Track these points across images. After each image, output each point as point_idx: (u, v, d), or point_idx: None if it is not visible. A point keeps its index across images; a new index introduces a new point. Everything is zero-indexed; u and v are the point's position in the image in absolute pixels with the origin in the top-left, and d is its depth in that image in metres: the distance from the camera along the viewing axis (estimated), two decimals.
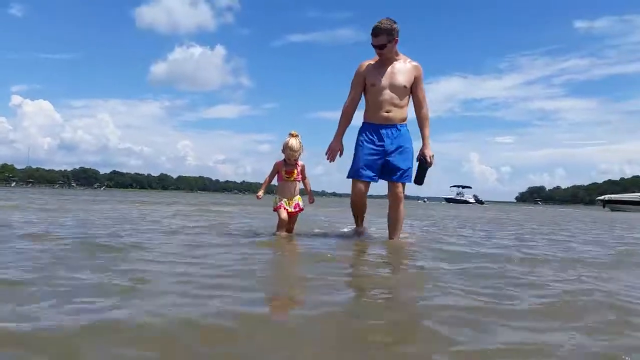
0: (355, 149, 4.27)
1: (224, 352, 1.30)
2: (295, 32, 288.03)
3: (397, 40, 4.14)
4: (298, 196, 4.48)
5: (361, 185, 4.21)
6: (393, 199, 4.33)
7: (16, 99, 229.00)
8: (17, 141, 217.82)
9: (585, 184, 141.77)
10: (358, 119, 4.40)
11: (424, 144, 4.30)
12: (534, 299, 1.98)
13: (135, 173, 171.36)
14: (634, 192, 41.68)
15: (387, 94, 4.16)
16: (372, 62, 4.26)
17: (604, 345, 1.42)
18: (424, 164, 4.27)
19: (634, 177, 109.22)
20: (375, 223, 4.59)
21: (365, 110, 4.33)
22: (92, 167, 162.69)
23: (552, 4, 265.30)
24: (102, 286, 2.00)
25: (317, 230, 5.25)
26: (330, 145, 4.36)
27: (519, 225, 8.73)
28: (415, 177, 4.30)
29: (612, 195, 41.04)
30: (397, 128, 4.20)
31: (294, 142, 4.30)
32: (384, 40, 4.09)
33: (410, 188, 4.39)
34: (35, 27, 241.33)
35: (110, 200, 15.70)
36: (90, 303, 1.72)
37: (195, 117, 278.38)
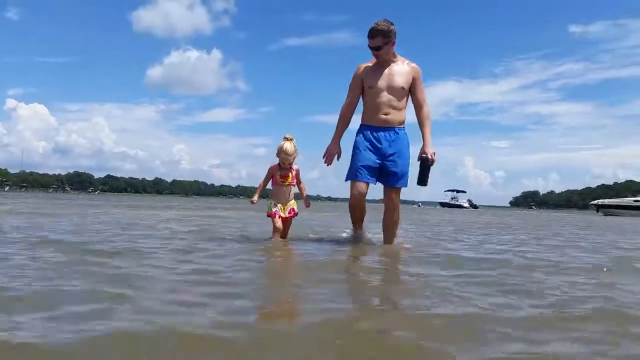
0: (353, 151, 4.24)
1: None
2: (291, 35, 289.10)
3: (394, 42, 4.12)
4: (293, 201, 4.45)
5: (360, 187, 4.12)
6: (389, 204, 4.32)
7: (11, 103, 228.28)
8: (11, 145, 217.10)
9: (579, 189, 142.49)
10: (355, 122, 4.39)
11: (424, 143, 4.20)
12: (532, 308, 1.95)
13: (130, 177, 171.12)
14: (627, 196, 41.97)
15: (385, 96, 4.14)
16: (369, 65, 4.24)
17: (602, 355, 1.40)
18: (426, 162, 4.15)
19: (627, 181, 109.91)
20: (371, 227, 4.56)
21: (363, 113, 4.30)
22: (86, 171, 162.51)
23: (547, 8, 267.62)
24: (94, 293, 1.96)
25: (312, 236, 5.22)
26: (327, 149, 4.33)
27: (513, 230, 8.74)
28: (418, 177, 4.19)
29: (606, 200, 41.29)
30: (395, 131, 4.18)
31: (288, 146, 4.27)
32: (380, 42, 4.08)
33: (405, 192, 4.37)
34: (31, 31, 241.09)
35: (105, 205, 15.62)
36: (78, 312, 1.68)
37: (191, 121, 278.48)
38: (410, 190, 4.36)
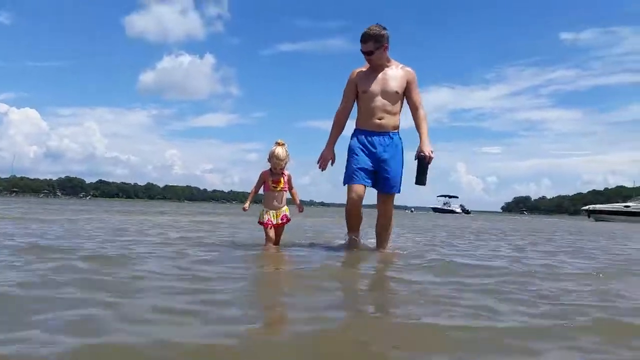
0: (348, 154, 4.22)
1: None
2: (284, 41, 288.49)
3: (386, 46, 4.12)
4: (285, 207, 4.42)
5: (358, 189, 4.07)
6: (382, 210, 4.32)
7: (2, 107, 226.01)
8: (2, 149, 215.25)
9: (570, 194, 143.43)
10: (349, 127, 4.38)
11: (422, 141, 4.13)
12: (527, 317, 1.93)
13: (122, 182, 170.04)
14: (617, 202, 42.33)
15: (379, 100, 4.13)
16: (363, 69, 4.24)
17: None
18: (424, 161, 4.09)
19: (617, 187, 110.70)
20: (364, 233, 4.53)
21: (357, 118, 4.29)
22: (77, 176, 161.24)
23: (539, 15, 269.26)
24: (81, 301, 1.92)
25: (305, 242, 5.19)
26: (322, 154, 4.31)
27: (506, 235, 8.75)
28: (416, 176, 4.12)
29: (597, 206, 41.68)
30: (390, 136, 4.17)
31: (280, 151, 4.25)
32: (372, 47, 4.08)
33: (397, 197, 4.35)
34: (23, 35, 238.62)
35: (96, 210, 15.50)
36: (64, 321, 1.64)
37: (183, 126, 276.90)
38: (403, 196, 4.33)
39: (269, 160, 4.29)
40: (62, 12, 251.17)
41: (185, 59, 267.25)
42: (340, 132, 4.38)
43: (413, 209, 78.94)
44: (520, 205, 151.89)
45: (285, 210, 4.40)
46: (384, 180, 4.18)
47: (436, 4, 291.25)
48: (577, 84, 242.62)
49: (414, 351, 1.48)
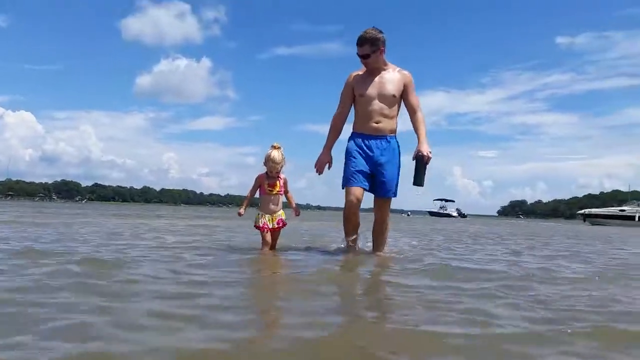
0: (346, 157, 4.20)
1: None
2: (281, 45, 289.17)
3: (382, 50, 4.12)
4: (281, 211, 4.40)
5: (356, 192, 4.05)
6: (379, 214, 4.31)
7: None
8: None
9: (566, 198, 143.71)
10: (346, 131, 4.37)
11: (420, 141, 4.09)
12: (526, 323, 1.92)
13: (118, 186, 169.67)
14: (613, 206, 42.51)
15: (376, 104, 4.12)
16: (360, 73, 4.24)
17: None
18: (421, 160, 4.04)
19: (613, 191, 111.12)
20: (362, 237, 4.51)
21: (355, 121, 4.28)
22: (73, 180, 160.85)
23: (535, 20, 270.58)
24: (74, 306, 1.90)
25: (301, 246, 5.17)
26: (319, 158, 4.31)
27: (503, 239, 8.75)
28: (414, 177, 4.07)
29: (592, 210, 41.83)
30: (387, 140, 4.16)
31: (276, 154, 4.24)
32: (368, 50, 4.08)
33: (394, 201, 4.34)
34: (19, 38, 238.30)
35: (92, 214, 15.43)
36: (55, 327, 1.62)
37: (180, 129, 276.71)
38: (399, 199, 4.31)
39: (265, 163, 4.29)
40: (58, 15, 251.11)
41: (182, 62, 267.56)
42: (338, 136, 4.37)
43: (409, 213, 78.94)
44: (516, 209, 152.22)
45: (281, 214, 4.38)
46: (380, 184, 4.17)
47: (432, 8, 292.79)
48: (573, 88, 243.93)
49: (412, 357, 1.47)
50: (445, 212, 68.79)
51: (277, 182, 4.32)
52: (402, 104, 4.25)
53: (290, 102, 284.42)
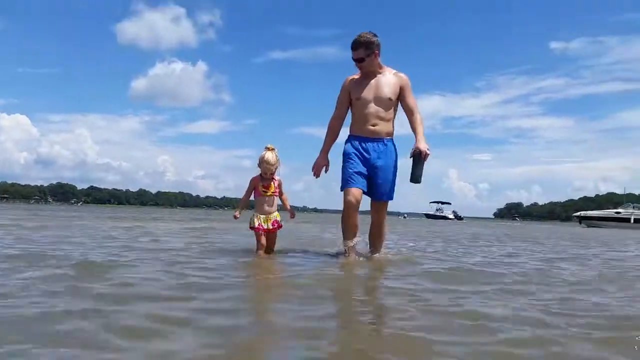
0: (343, 159, 4.18)
1: None
2: (276, 49, 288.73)
3: (377, 53, 4.11)
4: (276, 213, 4.38)
5: (355, 193, 4.00)
6: (375, 216, 4.31)
7: None
8: None
9: (562, 201, 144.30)
10: (343, 135, 4.37)
11: (417, 139, 4.04)
12: (524, 326, 1.90)
13: (113, 189, 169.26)
14: (608, 208, 42.67)
15: (373, 107, 4.11)
16: (357, 77, 4.23)
17: None
18: (419, 157, 3.99)
19: (608, 193, 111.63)
20: (359, 240, 4.49)
21: (351, 124, 4.27)
22: (69, 183, 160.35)
23: (529, 25, 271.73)
24: (76, 311, 1.88)
25: (298, 249, 5.14)
26: (316, 161, 4.29)
27: (500, 241, 8.74)
28: (411, 174, 4.01)
29: (588, 212, 42.01)
30: (384, 143, 4.15)
31: (270, 156, 4.23)
32: (362, 54, 4.08)
33: (390, 204, 4.33)
34: (14, 41, 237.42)
35: (87, 217, 15.36)
36: (48, 332, 1.59)
37: (176, 132, 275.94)
38: (396, 202, 4.29)
39: (259, 165, 4.27)
40: (54, 19, 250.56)
41: (178, 66, 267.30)
42: (334, 140, 4.36)
43: (406, 215, 79.00)
44: (512, 212, 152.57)
45: (276, 215, 4.36)
46: (377, 187, 4.15)
47: (428, 12, 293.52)
48: (567, 92, 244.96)
49: None
50: (441, 214, 68.90)
51: (272, 183, 4.31)
52: (399, 107, 4.24)
53: (285, 105, 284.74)
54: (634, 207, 38.30)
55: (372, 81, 4.14)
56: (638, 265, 4.87)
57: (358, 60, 4.12)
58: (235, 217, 4.52)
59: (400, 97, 4.17)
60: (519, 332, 1.78)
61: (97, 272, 2.91)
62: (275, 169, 4.29)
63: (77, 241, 5.23)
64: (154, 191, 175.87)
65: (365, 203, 4.26)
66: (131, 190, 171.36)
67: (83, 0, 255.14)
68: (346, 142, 4.25)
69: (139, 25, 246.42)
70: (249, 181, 4.37)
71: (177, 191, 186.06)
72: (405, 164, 4.17)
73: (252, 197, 4.41)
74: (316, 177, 4.30)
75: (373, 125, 4.12)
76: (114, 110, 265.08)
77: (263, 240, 4.29)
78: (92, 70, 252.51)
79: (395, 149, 4.22)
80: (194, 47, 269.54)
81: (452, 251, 5.84)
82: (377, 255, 4.29)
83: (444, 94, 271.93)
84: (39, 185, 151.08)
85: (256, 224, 4.28)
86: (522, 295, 2.63)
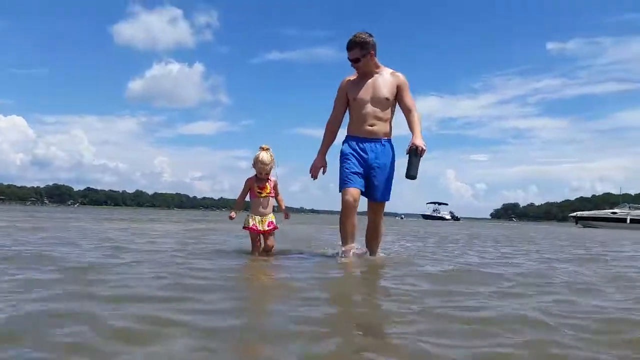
0: (341, 159, 4.16)
1: None
2: (273, 50, 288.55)
3: (372, 53, 4.10)
4: (271, 214, 4.36)
5: (353, 193, 3.98)
6: (372, 217, 4.30)
7: None
8: None
9: (558, 201, 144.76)
10: (341, 136, 4.35)
11: (414, 135, 4.01)
12: (519, 332, 1.88)
13: (110, 190, 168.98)
14: (604, 209, 42.78)
15: (370, 107, 4.09)
16: (354, 77, 4.22)
17: None
18: (415, 153, 3.95)
19: (605, 194, 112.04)
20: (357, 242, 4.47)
21: (349, 124, 4.26)
22: (65, 184, 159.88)
23: (526, 26, 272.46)
24: (66, 313, 1.85)
25: (295, 250, 5.12)
26: (313, 163, 4.29)
27: (498, 242, 8.74)
28: (407, 169, 3.98)
29: (584, 212, 42.10)
30: (382, 143, 4.14)
31: (264, 156, 4.21)
32: (358, 54, 4.07)
33: (387, 204, 4.32)
34: (11, 42, 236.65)
35: (84, 218, 15.30)
36: (58, 335, 1.57)
37: (173, 133, 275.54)
38: (393, 202, 4.27)
39: (254, 165, 4.25)
40: (50, 20, 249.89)
41: (175, 67, 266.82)
42: (332, 141, 4.35)
43: (403, 216, 79.13)
44: (509, 212, 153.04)
45: (271, 217, 4.34)
46: (374, 188, 4.14)
47: (424, 14, 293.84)
48: (563, 92, 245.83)
49: None
50: (438, 215, 69.01)
51: (267, 184, 4.29)
52: (397, 107, 4.23)
53: (282, 106, 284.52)
54: (630, 208, 38.41)
55: (369, 81, 4.13)
56: (635, 265, 4.87)
57: (354, 61, 4.12)
58: (230, 217, 4.50)
59: (398, 96, 4.15)
60: (517, 334, 1.76)
61: (92, 273, 2.89)
62: (271, 169, 4.27)
63: (73, 242, 5.19)
64: (150, 192, 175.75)
65: (362, 204, 4.25)
66: (128, 191, 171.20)
67: (79, 2, 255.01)
68: (343, 142, 4.24)
69: (135, 26, 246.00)
70: (244, 182, 4.35)
71: (174, 192, 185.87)
72: (402, 164, 4.15)
73: (247, 198, 4.39)
74: (314, 179, 4.29)
75: (371, 126, 4.10)
76: (111, 112, 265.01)
77: (258, 241, 4.27)
78: (89, 71, 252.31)
79: (393, 150, 4.21)
80: (191, 48, 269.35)
81: (449, 252, 5.83)
82: (374, 256, 4.28)
83: (441, 95, 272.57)
84: (35, 186, 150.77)
85: (250, 224, 4.25)
86: (520, 297, 2.62)
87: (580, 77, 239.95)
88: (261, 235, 4.32)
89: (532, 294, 2.69)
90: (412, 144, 3.99)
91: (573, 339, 1.71)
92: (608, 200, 79.77)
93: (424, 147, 3.97)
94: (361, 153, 4.10)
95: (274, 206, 4.42)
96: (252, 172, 4.32)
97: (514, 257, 5.30)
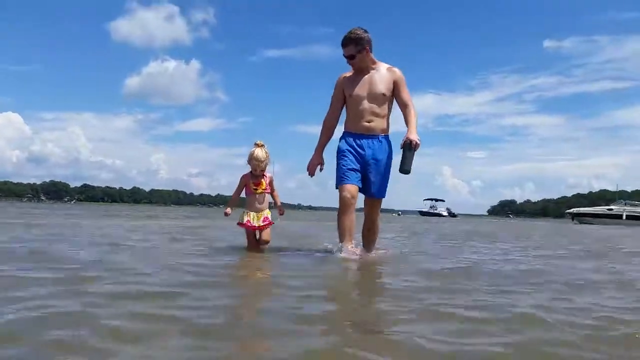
0: (338, 156, 4.14)
1: None
2: (270, 47, 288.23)
3: (368, 49, 4.08)
4: (267, 210, 4.35)
5: (351, 189, 3.96)
6: (369, 213, 4.28)
7: None
8: None
9: (555, 198, 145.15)
10: (337, 134, 4.32)
11: (409, 129, 3.99)
12: (518, 331, 1.88)
13: (107, 187, 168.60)
14: (601, 205, 42.92)
15: (366, 103, 4.07)
16: (350, 74, 4.20)
17: None
18: (409, 146, 3.91)
19: (601, 191, 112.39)
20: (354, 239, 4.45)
21: (346, 121, 4.24)
22: (62, 181, 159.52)
23: (523, 24, 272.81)
24: (60, 311, 1.83)
25: (291, 247, 5.10)
26: (310, 160, 4.27)
27: (495, 238, 8.74)
28: (401, 164, 3.95)
29: (581, 209, 42.25)
30: (379, 139, 4.12)
31: (259, 152, 4.20)
32: (353, 51, 4.05)
33: (384, 201, 4.30)
34: (7, 39, 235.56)
35: (80, 215, 15.25)
36: (57, 337, 1.55)
37: (169, 130, 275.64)
38: (390, 199, 4.27)
39: (249, 162, 4.25)
40: (46, 17, 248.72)
41: (171, 64, 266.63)
42: (329, 138, 4.34)
43: (400, 213, 79.21)
44: (505, 209, 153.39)
45: (267, 213, 4.33)
46: (371, 184, 4.13)
47: (421, 11, 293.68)
48: (560, 90, 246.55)
49: None
50: (435, 211, 69.13)
51: (262, 180, 4.28)
52: (394, 102, 4.21)
53: (279, 103, 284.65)
54: (625, 204, 38.56)
55: (366, 77, 4.11)
56: (632, 262, 4.88)
57: (349, 58, 4.10)
58: (226, 214, 4.48)
59: (395, 92, 4.13)
60: (515, 332, 1.75)
61: (88, 270, 2.87)
62: (265, 165, 4.26)
63: (69, 239, 5.17)
64: (147, 189, 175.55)
65: (359, 200, 4.23)
66: (125, 188, 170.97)
67: None
68: (340, 139, 4.22)
69: (132, 23, 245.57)
70: (239, 179, 4.34)
71: (171, 189, 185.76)
72: (398, 160, 4.14)
73: (243, 195, 4.38)
74: (311, 176, 4.28)
75: (368, 122, 4.09)
76: (108, 109, 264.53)
77: (252, 236, 4.26)
78: (86, 68, 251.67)
79: (390, 146, 4.19)
80: (188, 45, 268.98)
81: (446, 248, 5.83)
82: (370, 253, 4.27)
83: (438, 92, 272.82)
84: (31, 183, 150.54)
85: (245, 220, 4.24)
86: (517, 294, 2.61)
87: (576, 75, 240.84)
88: (257, 231, 4.31)
89: (529, 291, 2.68)
90: (407, 138, 3.95)
91: (571, 337, 1.70)
92: (604, 197, 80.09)
93: (418, 142, 3.93)
94: (358, 149, 4.08)
95: (269, 202, 4.41)
96: (249, 169, 4.30)
97: (511, 254, 5.29)
